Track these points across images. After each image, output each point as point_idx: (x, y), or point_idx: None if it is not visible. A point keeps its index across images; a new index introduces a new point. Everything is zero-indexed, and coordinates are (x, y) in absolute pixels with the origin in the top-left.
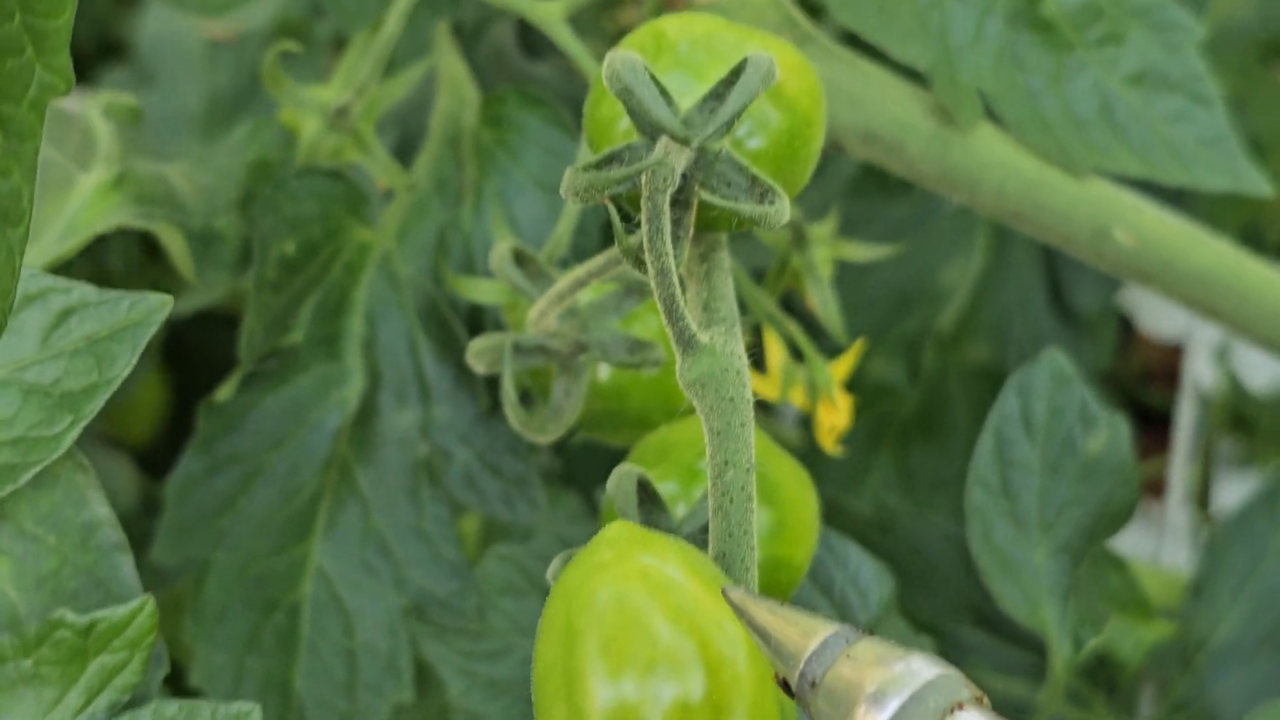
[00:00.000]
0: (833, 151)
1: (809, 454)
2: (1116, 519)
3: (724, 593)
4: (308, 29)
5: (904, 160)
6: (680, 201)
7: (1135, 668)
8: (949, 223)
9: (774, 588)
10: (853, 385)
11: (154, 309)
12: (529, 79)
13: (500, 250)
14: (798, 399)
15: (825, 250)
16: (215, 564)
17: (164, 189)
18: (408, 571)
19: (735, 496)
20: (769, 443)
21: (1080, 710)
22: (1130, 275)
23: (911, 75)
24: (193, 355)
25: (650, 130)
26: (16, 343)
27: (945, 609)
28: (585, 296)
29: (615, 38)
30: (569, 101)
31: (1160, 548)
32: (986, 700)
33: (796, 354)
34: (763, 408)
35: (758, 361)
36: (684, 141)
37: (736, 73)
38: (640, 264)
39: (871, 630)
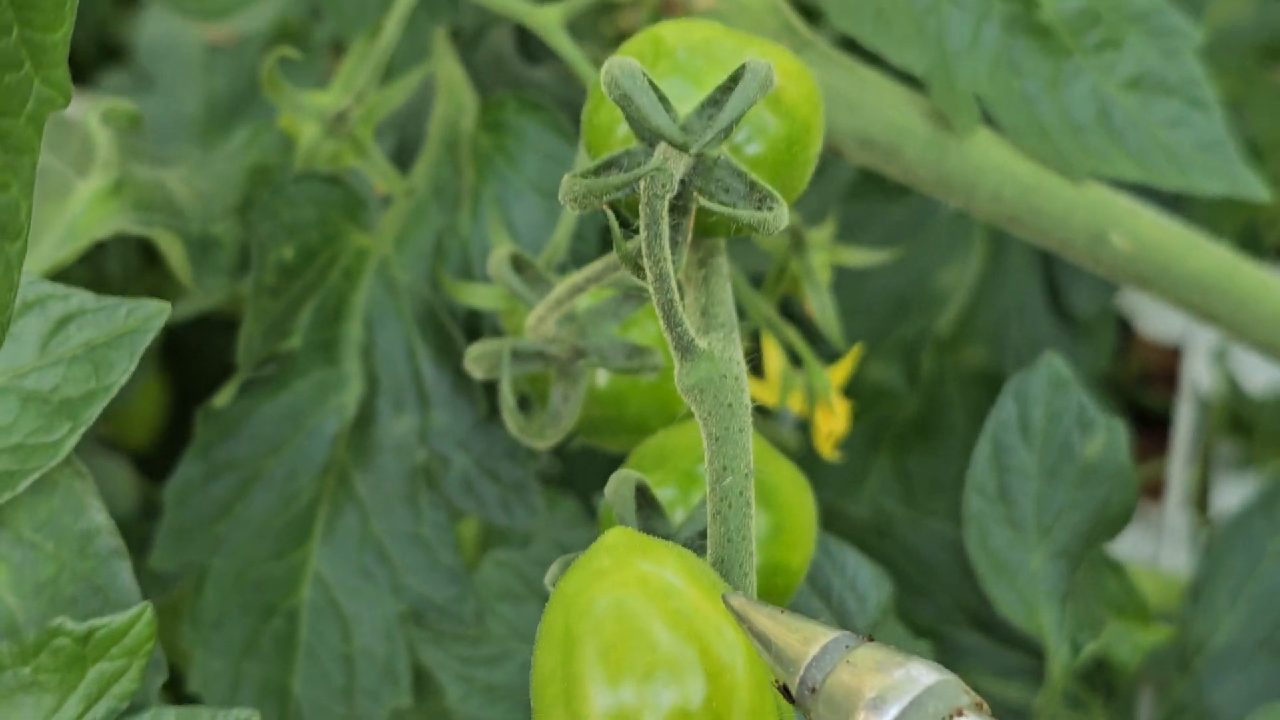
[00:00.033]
0: (830, 156)
1: (807, 458)
2: (1114, 523)
3: (724, 599)
4: (306, 33)
5: (901, 165)
6: (679, 207)
7: (1133, 671)
8: (946, 227)
9: (772, 592)
10: (851, 389)
11: (152, 316)
12: (527, 84)
13: (498, 256)
14: (796, 404)
15: (823, 255)
16: (213, 569)
17: (162, 195)
18: (406, 577)
19: (734, 502)
20: (767, 447)
21: (1078, 714)
22: (1127, 280)
23: (909, 80)
24: (192, 359)
25: (649, 136)
26: (15, 350)
27: (943, 613)
28: (583, 302)
29: (614, 42)
30: (567, 107)
31: (1159, 550)
32: (986, 706)
33: (795, 359)
34: (761, 411)
35: (756, 367)
36: (682, 148)
37: (735, 79)
38: (639, 270)
39: (869, 635)
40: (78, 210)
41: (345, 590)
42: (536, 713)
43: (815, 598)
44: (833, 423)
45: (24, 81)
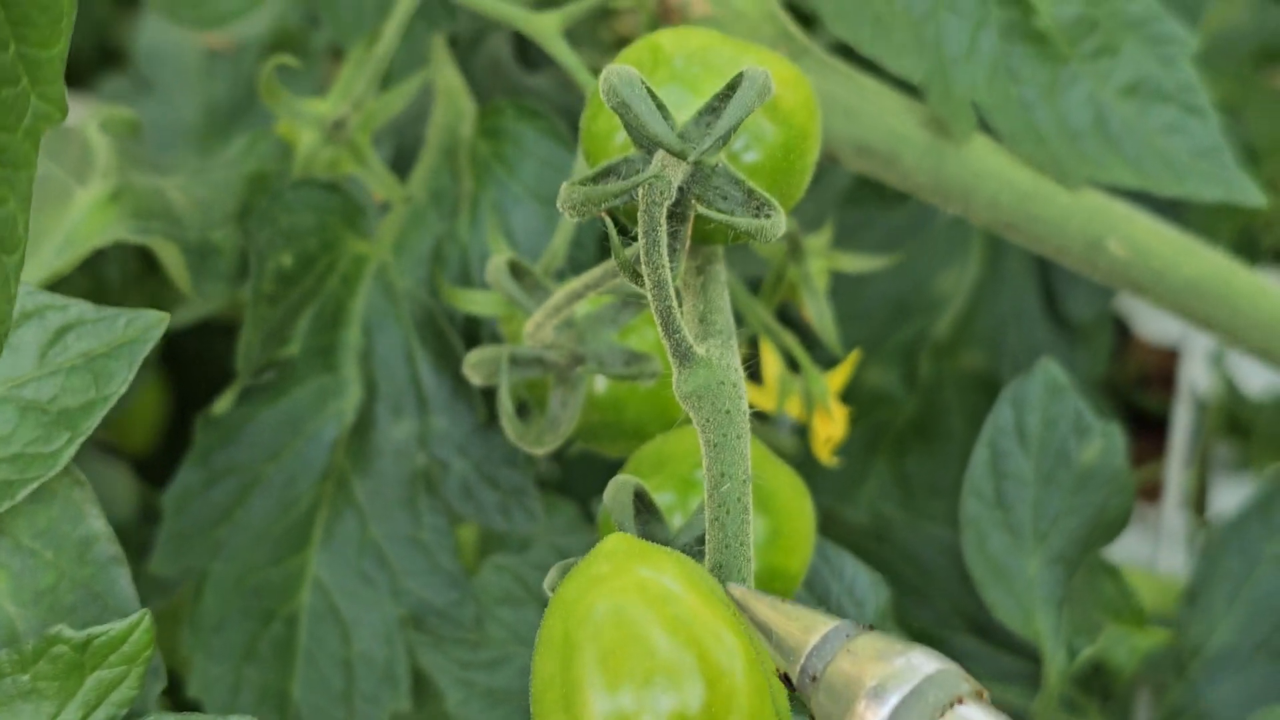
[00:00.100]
0: (828, 163)
1: (805, 463)
2: (1111, 528)
3: (726, 588)
4: (304, 40)
5: (899, 172)
6: (677, 214)
7: (1130, 675)
8: (944, 232)
9: None
10: (849, 394)
11: (151, 326)
12: (525, 91)
13: (496, 262)
14: (794, 409)
15: (821, 262)
16: (213, 575)
17: (161, 203)
18: (405, 581)
19: (732, 508)
20: (765, 452)
21: (1075, 718)
22: (1123, 285)
23: (906, 87)
24: (191, 365)
25: (646, 144)
26: (14, 360)
27: (940, 618)
28: (582, 309)
29: (612, 49)
30: (565, 113)
31: (1157, 552)
32: (986, 695)
33: (793, 364)
34: (760, 416)
35: (754, 372)
36: (680, 155)
37: (732, 87)
38: (637, 277)
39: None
40: (77, 218)
41: (345, 595)
42: (536, 718)
43: (813, 602)
44: (830, 428)
45: (21, 97)
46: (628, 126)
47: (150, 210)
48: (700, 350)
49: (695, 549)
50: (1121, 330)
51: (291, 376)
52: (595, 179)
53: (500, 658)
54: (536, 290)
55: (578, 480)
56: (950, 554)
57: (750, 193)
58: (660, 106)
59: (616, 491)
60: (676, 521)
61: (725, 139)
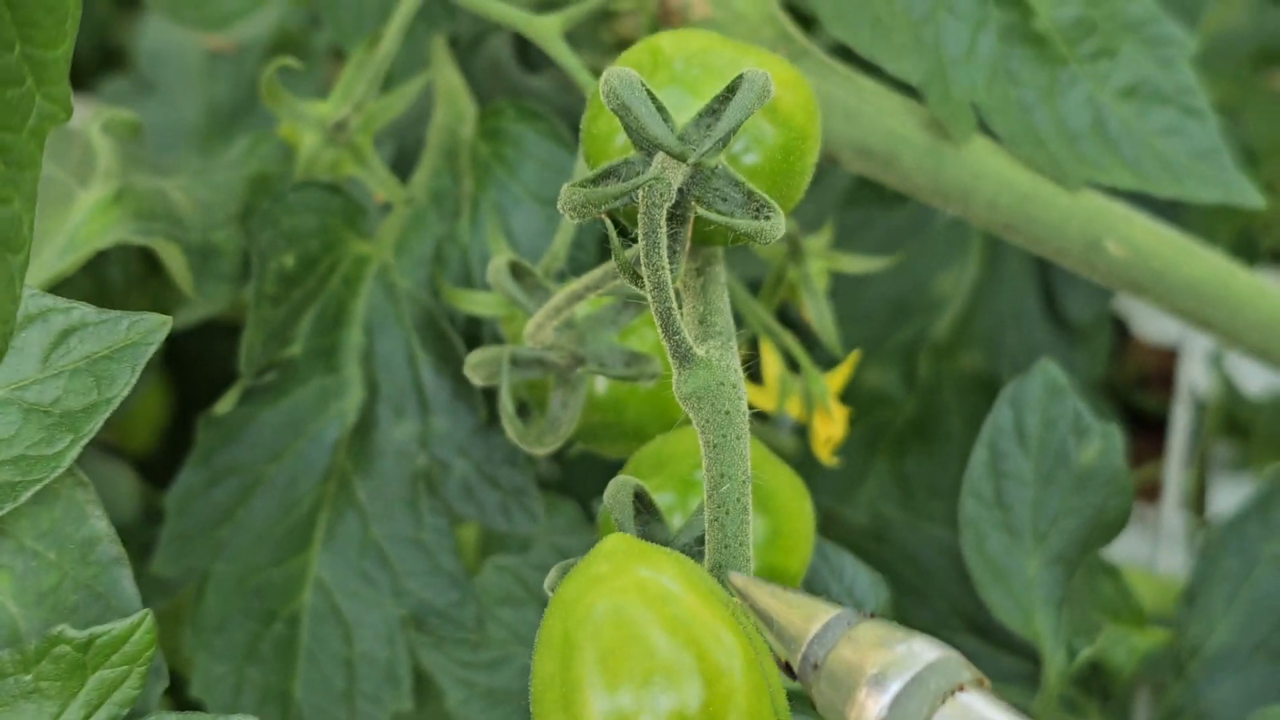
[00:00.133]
0: (828, 164)
1: (805, 463)
2: (1110, 529)
3: (728, 577)
4: (306, 41)
5: (898, 173)
6: (676, 216)
7: (1129, 675)
8: (943, 233)
9: None
10: (848, 394)
11: (153, 329)
12: (526, 92)
13: (497, 263)
14: (794, 409)
15: (820, 262)
16: (215, 575)
17: (163, 204)
18: (406, 582)
19: (731, 509)
20: (765, 452)
21: (1075, 718)
22: (1122, 286)
23: (905, 89)
24: (193, 365)
25: (647, 146)
26: (17, 362)
27: (940, 618)
28: (582, 310)
29: (612, 50)
30: (566, 114)
31: (1156, 552)
32: (987, 683)
33: (793, 365)
34: (760, 416)
35: (754, 373)
36: (680, 157)
37: (732, 89)
38: (637, 278)
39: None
40: (79, 220)
41: (346, 595)
42: (536, 717)
43: None
44: (830, 428)
45: (26, 97)
46: (628, 129)
47: (152, 212)
48: (700, 351)
49: (695, 549)
50: (1121, 331)
51: (293, 377)
52: (595, 181)
53: (501, 658)
54: (537, 291)
55: (578, 481)
56: (950, 554)
57: (750, 194)
58: (660, 109)
59: (616, 492)
60: (676, 522)
61: (725, 141)
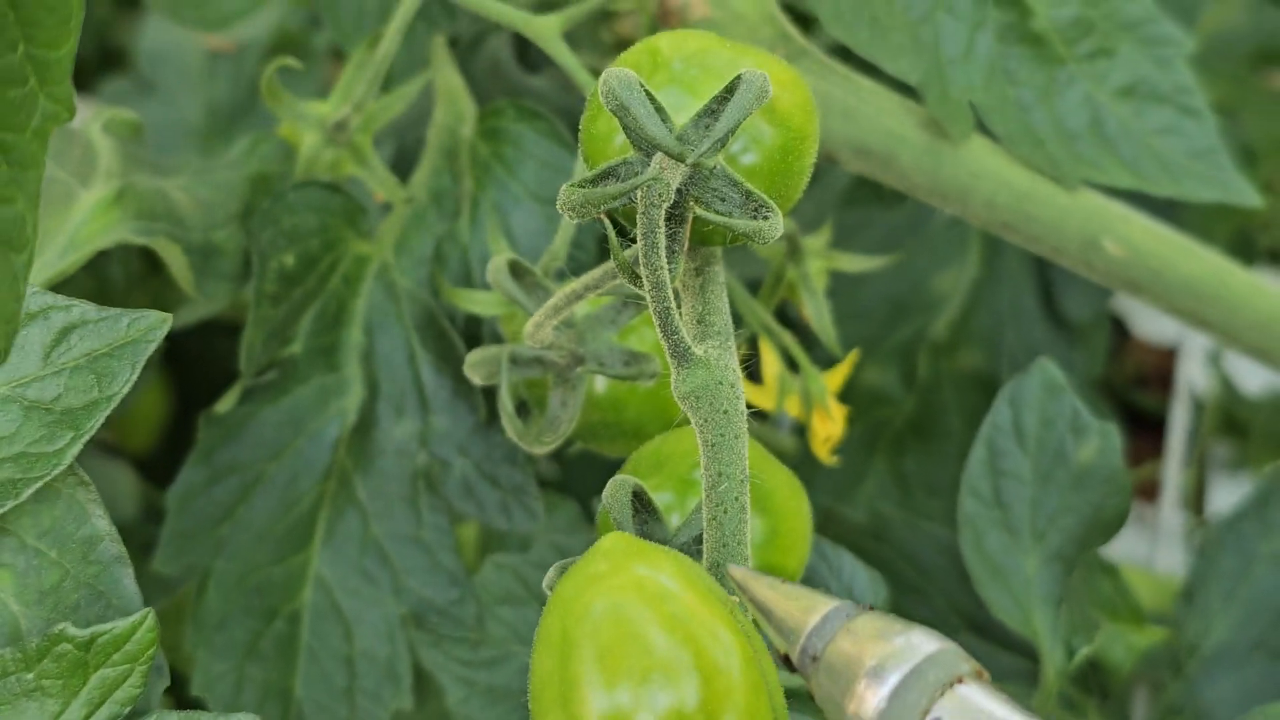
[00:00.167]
0: (826, 164)
1: (804, 461)
2: (1108, 527)
3: (727, 569)
4: (306, 41)
5: (896, 172)
6: (675, 216)
7: (1127, 673)
8: (942, 232)
9: None
10: (848, 393)
11: (153, 326)
12: (525, 92)
13: (497, 263)
14: (793, 409)
15: (819, 262)
16: (216, 573)
17: (164, 204)
18: (406, 580)
19: (729, 507)
20: (762, 452)
21: (1073, 716)
22: (1120, 285)
23: (904, 89)
24: (194, 365)
25: (645, 146)
26: (18, 360)
27: (939, 616)
28: (582, 309)
29: (612, 50)
30: (565, 114)
31: (1154, 552)
32: (986, 674)
33: (792, 364)
34: (759, 415)
35: (754, 372)
36: (679, 157)
37: (730, 89)
38: (636, 278)
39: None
40: (80, 220)
41: (346, 593)
42: (534, 715)
43: None
44: (829, 427)
45: (29, 97)
46: (626, 129)
47: (153, 211)
48: (698, 351)
49: (693, 548)
50: (1119, 330)
51: (294, 376)
52: (594, 181)
53: (501, 656)
54: (536, 290)
55: (578, 480)
56: (948, 553)
57: (748, 194)
58: (659, 109)
59: (615, 491)
60: (675, 521)
61: (723, 141)
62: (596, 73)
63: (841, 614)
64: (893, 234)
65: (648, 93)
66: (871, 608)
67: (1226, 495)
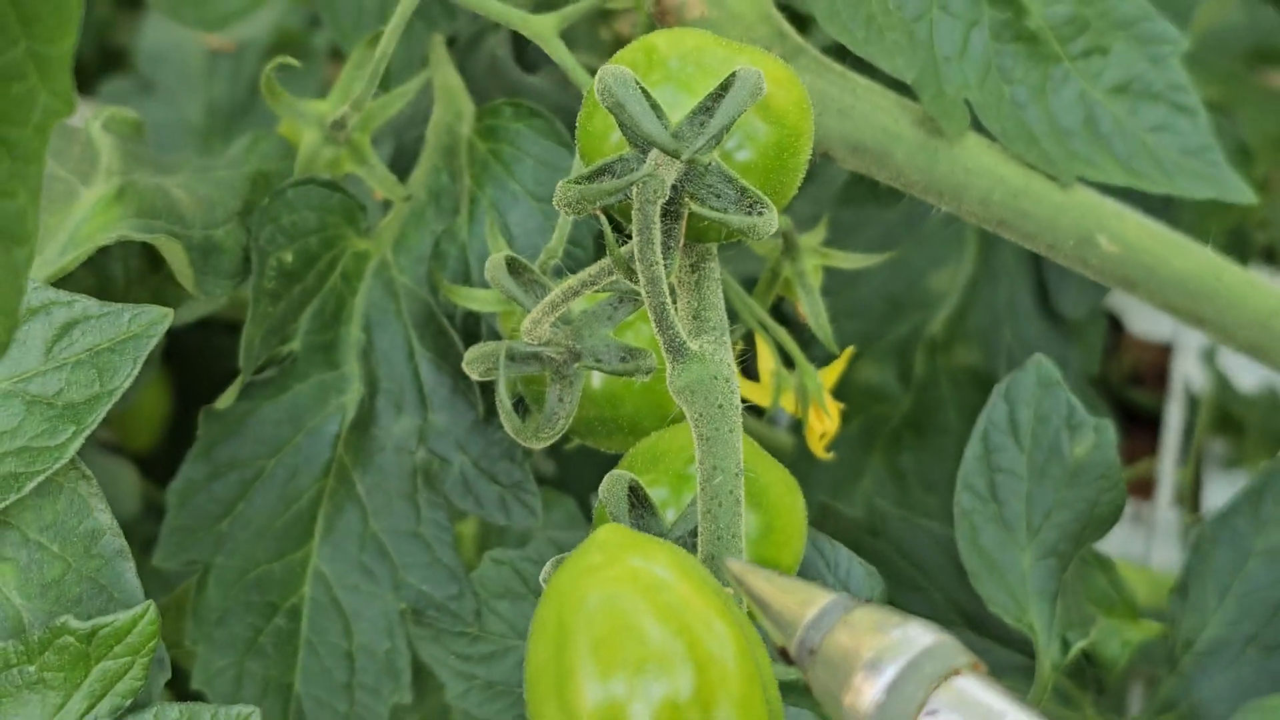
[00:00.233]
0: (822, 161)
1: (801, 458)
2: (1103, 523)
3: (724, 562)
4: (305, 40)
5: (891, 170)
6: (671, 212)
7: (1123, 668)
8: (939, 229)
9: None
10: (845, 390)
11: (154, 321)
12: (523, 91)
13: (495, 260)
14: (789, 405)
15: (815, 259)
16: (216, 568)
17: (164, 201)
18: (405, 575)
19: (724, 500)
20: (757, 448)
21: (1069, 710)
22: (1114, 282)
23: (899, 87)
24: (194, 362)
25: (641, 143)
26: (20, 354)
27: (935, 611)
28: (579, 305)
29: (609, 49)
30: (563, 113)
31: (1150, 549)
32: (983, 667)
33: (788, 361)
34: (756, 412)
35: (750, 369)
36: (674, 154)
37: (725, 86)
38: (632, 274)
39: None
40: (82, 217)
41: (346, 588)
42: (530, 705)
43: None
44: (825, 423)
45: (30, 92)
46: (622, 125)
47: (154, 208)
48: (693, 346)
49: (689, 542)
50: (1115, 327)
51: (293, 372)
52: (591, 177)
53: (499, 651)
54: (534, 287)
55: (575, 477)
56: (945, 548)
57: (743, 190)
58: (654, 106)
59: (611, 486)
60: (671, 516)
61: (718, 138)
62: (594, 72)
63: (839, 607)
64: (889, 231)
65: (644, 90)
66: (869, 601)
67: (1222, 492)
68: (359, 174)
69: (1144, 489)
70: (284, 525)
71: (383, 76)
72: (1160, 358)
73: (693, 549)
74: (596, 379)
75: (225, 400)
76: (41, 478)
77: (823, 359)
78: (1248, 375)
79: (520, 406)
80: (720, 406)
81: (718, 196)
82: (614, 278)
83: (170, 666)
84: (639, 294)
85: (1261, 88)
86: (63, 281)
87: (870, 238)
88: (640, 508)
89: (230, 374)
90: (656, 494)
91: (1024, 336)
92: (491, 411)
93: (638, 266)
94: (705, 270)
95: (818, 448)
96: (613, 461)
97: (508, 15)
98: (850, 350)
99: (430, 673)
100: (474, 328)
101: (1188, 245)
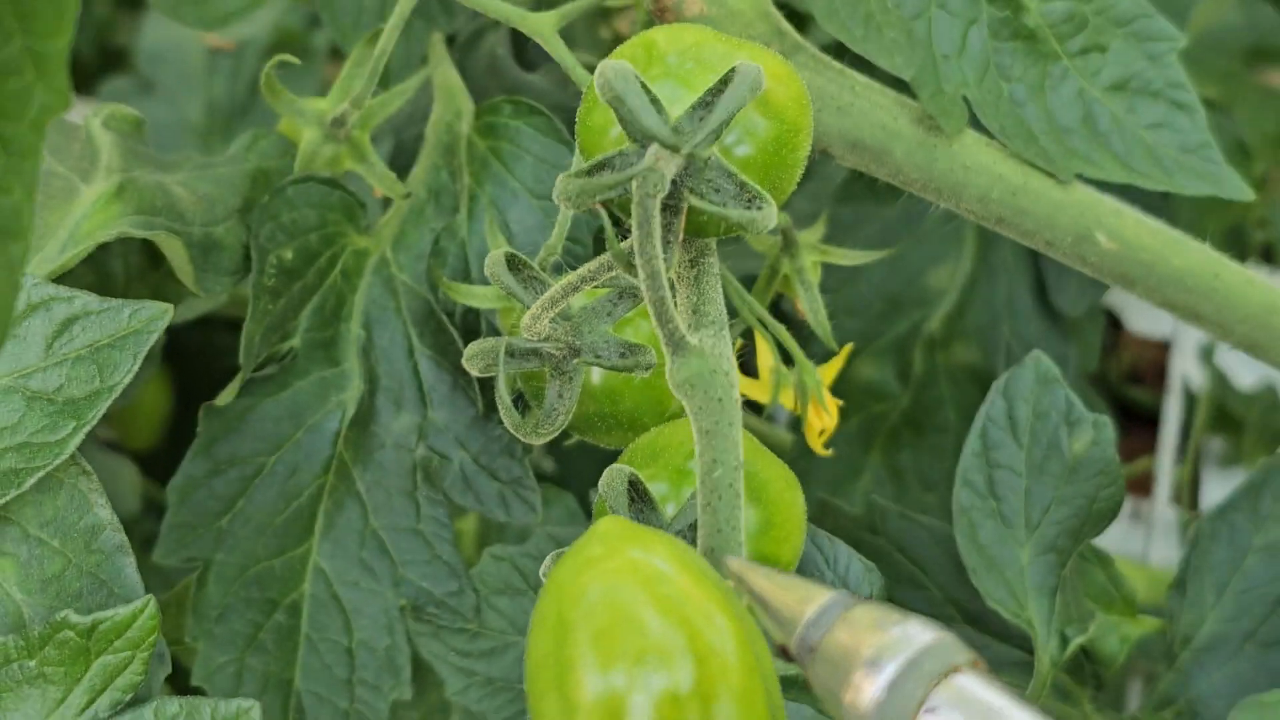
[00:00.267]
0: (821, 158)
1: (801, 455)
2: (1102, 519)
3: (723, 560)
4: (305, 39)
5: (889, 167)
6: (670, 207)
7: (1121, 663)
8: (937, 227)
9: None
10: (844, 387)
11: (154, 317)
12: (522, 89)
13: (494, 257)
14: (788, 402)
15: (814, 256)
16: (216, 564)
17: (164, 199)
18: (405, 571)
19: (723, 494)
20: (756, 444)
21: (1067, 705)
22: (1112, 279)
23: (898, 84)
24: (194, 359)
25: (641, 138)
26: (21, 350)
27: (934, 606)
28: (578, 302)
29: (608, 47)
30: (562, 111)
31: (1149, 546)
32: (982, 664)
33: (787, 358)
34: (755, 410)
35: (749, 366)
36: (673, 149)
37: (725, 82)
38: (631, 268)
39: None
40: (81, 214)
41: (346, 584)
42: (531, 698)
43: None
44: (824, 420)
45: (27, 88)
46: (622, 120)
47: (154, 206)
48: (693, 340)
49: (688, 536)
50: (1113, 325)
51: (293, 369)
52: (590, 172)
53: (499, 647)
54: (533, 284)
55: (575, 473)
56: (943, 544)
57: (742, 185)
58: (654, 101)
59: (611, 480)
60: (670, 511)
61: (717, 133)
62: (593, 69)
63: (838, 605)
64: (888, 229)
65: (643, 85)
66: (869, 598)
67: (1220, 489)
68: (359, 171)
69: (1142, 486)
70: (284, 522)
71: (382, 74)
72: (1159, 355)
73: (692, 543)
74: (596, 375)
75: (226, 397)
76: (42, 473)
77: (821, 356)
78: (1246, 373)
79: (520, 403)
80: (720, 400)
81: (717, 191)
82: (613, 273)
83: (170, 662)
84: (638, 289)
85: (1259, 86)
86: (63, 278)
87: (869, 235)
88: (640, 502)
89: (230, 371)
90: (656, 488)
91: (1023, 334)
92: (491, 408)
93: (637, 261)
94: (704, 265)
95: (816, 444)
96: (612, 457)
97: (507, 13)
98: (849, 347)
99: (430, 669)
100: (473, 324)
101: (1186, 242)
